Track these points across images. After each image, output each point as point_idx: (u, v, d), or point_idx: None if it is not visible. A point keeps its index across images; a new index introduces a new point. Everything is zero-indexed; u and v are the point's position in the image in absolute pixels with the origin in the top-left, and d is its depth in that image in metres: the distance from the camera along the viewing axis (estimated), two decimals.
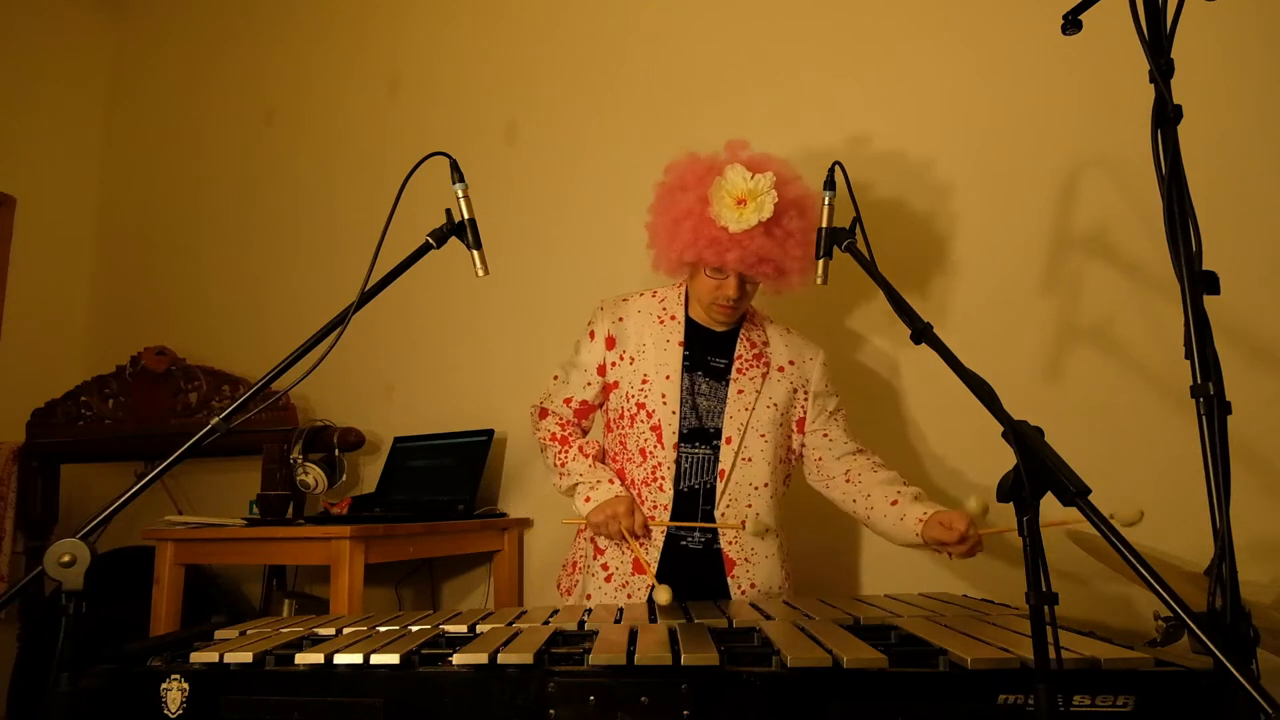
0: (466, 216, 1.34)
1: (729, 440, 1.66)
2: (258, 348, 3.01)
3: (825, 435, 1.74)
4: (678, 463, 1.65)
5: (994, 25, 2.07)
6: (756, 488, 1.67)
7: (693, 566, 1.64)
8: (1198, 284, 0.96)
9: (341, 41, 3.12)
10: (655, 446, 1.66)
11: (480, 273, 1.35)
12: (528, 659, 1.02)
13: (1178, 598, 0.79)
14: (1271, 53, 1.79)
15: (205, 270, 3.25)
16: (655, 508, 1.65)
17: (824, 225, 1.44)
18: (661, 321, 1.73)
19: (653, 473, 1.66)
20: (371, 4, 3.06)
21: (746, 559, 1.65)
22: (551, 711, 0.99)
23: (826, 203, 1.44)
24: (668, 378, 1.67)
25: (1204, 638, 0.76)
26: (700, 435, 1.67)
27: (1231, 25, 1.78)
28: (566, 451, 1.73)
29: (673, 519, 1.64)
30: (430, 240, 1.34)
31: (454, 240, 1.36)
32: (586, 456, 1.72)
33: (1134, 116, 1.54)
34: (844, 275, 2.16)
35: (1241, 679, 0.72)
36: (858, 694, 0.96)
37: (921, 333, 1.17)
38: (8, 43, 3.28)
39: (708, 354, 1.71)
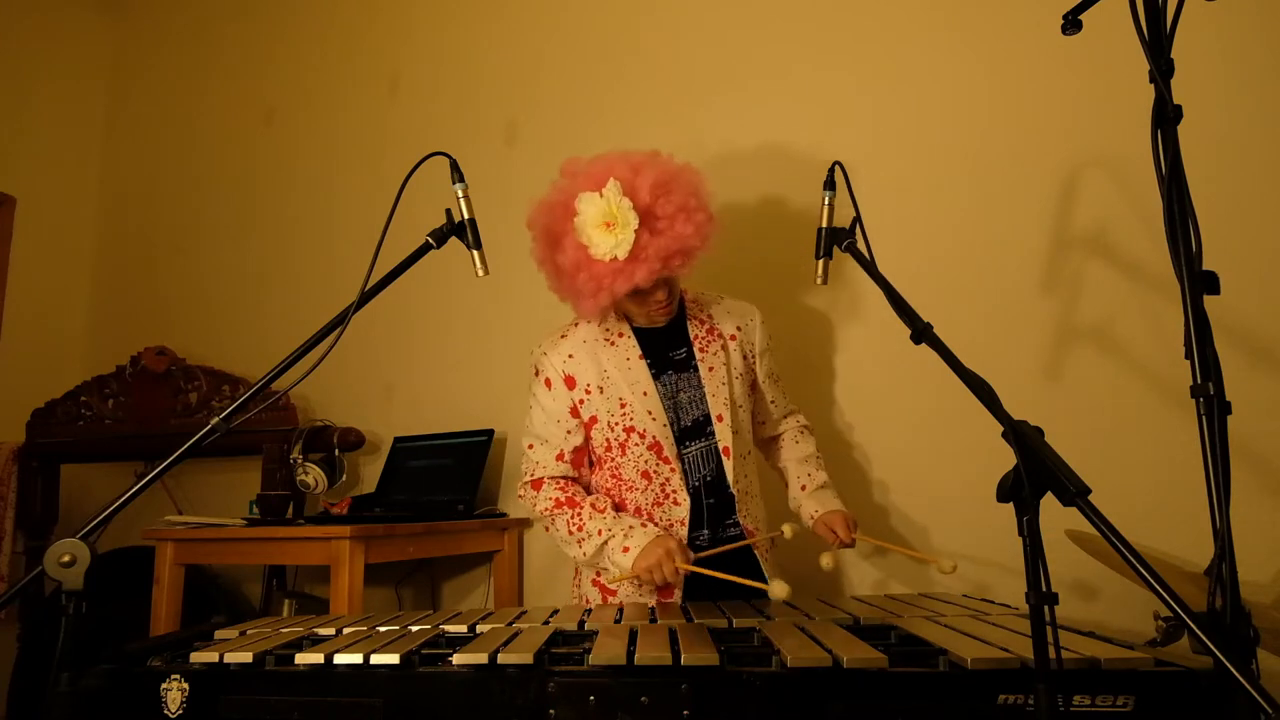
0: (466, 216, 1.35)
1: (720, 418, 1.66)
2: (258, 348, 3.01)
3: (772, 401, 1.83)
4: (685, 471, 1.65)
5: (994, 25, 2.07)
6: (745, 457, 1.71)
7: (724, 563, 1.59)
8: (1198, 284, 0.96)
9: (341, 41, 3.12)
10: (658, 464, 1.64)
11: (480, 273, 1.35)
12: (528, 659, 1.03)
13: (1178, 598, 0.79)
14: (1271, 53, 1.79)
15: (205, 270, 3.25)
16: (671, 524, 1.63)
17: (824, 225, 1.44)
18: (612, 343, 1.69)
19: (662, 490, 1.64)
20: (372, 4, 3.06)
21: (756, 528, 1.70)
22: (551, 711, 0.99)
23: (826, 203, 1.45)
24: (645, 394, 1.65)
25: (1204, 638, 0.76)
26: (690, 433, 1.67)
27: (1231, 25, 1.78)
28: (580, 512, 1.62)
29: (690, 527, 1.63)
30: (430, 240, 1.34)
31: (454, 240, 1.36)
32: (602, 511, 1.61)
33: (1134, 116, 1.54)
34: (845, 274, 2.16)
35: (1241, 679, 0.72)
36: (858, 694, 0.96)
37: (921, 333, 1.17)
38: (8, 43, 3.28)
39: (667, 351, 1.70)
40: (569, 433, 1.68)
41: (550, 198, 1.60)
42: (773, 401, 1.83)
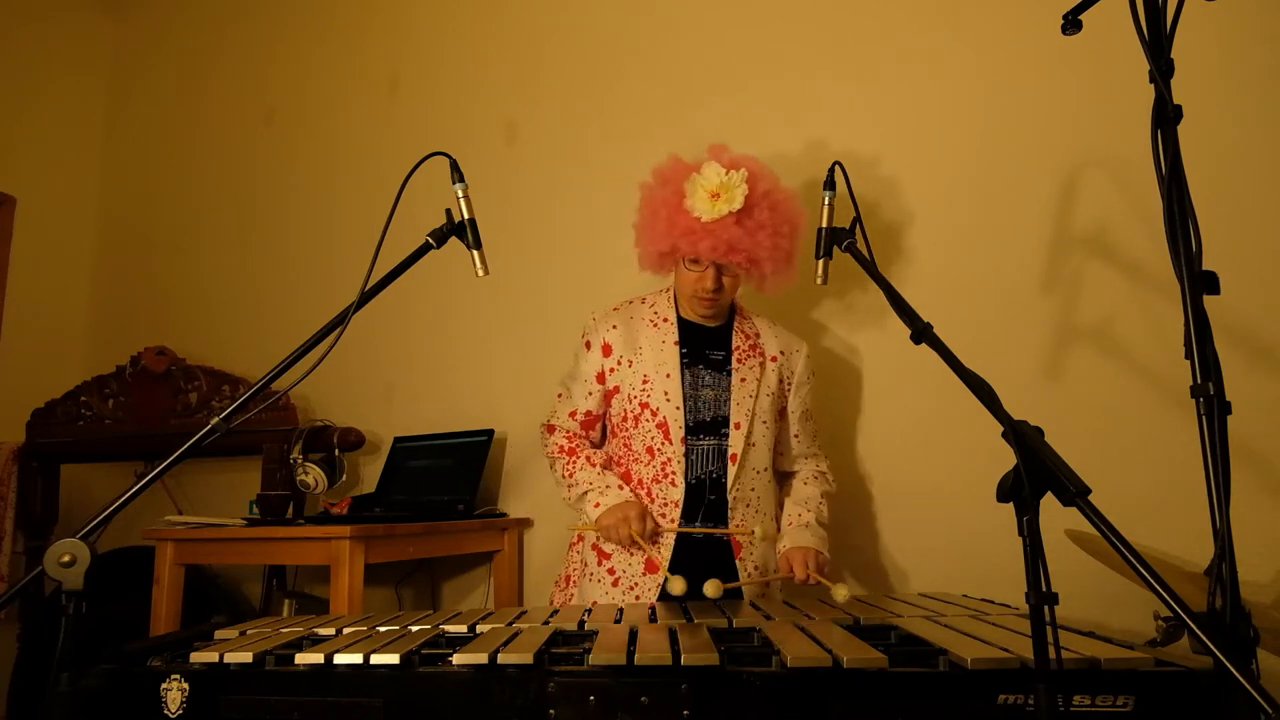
0: (466, 216, 1.34)
1: (738, 426, 1.72)
2: (258, 348, 3.01)
3: (796, 435, 1.85)
4: (686, 456, 1.70)
5: (994, 25, 2.07)
6: (759, 471, 1.75)
7: (702, 554, 1.69)
8: (1198, 284, 0.96)
9: (341, 41, 3.12)
10: (663, 443, 1.70)
11: (480, 273, 1.35)
12: (528, 659, 1.02)
13: (1178, 598, 0.79)
14: (1271, 53, 1.78)
15: (205, 270, 3.25)
16: (666, 504, 1.69)
17: (824, 225, 1.44)
18: (655, 325, 1.78)
19: (662, 469, 1.70)
20: (371, 4, 3.06)
21: (750, 542, 1.72)
22: (551, 711, 0.99)
23: (826, 203, 1.45)
24: (668, 375, 1.72)
25: (1204, 638, 0.76)
26: (705, 427, 1.72)
27: (1231, 25, 1.78)
28: (574, 461, 1.79)
29: (683, 512, 1.69)
30: (430, 240, 1.34)
31: (454, 240, 1.36)
32: (594, 465, 1.77)
33: (1134, 116, 1.54)
34: (844, 273, 2.16)
35: (1241, 679, 0.72)
36: (858, 694, 0.96)
37: (921, 333, 1.17)
38: (8, 43, 3.28)
39: (705, 348, 1.78)
40: (589, 394, 1.81)
41: (690, 160, 1.74)
42: (796, 435, 1.84)
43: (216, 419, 1.13)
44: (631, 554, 1.71)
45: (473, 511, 2.38)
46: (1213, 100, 1.76)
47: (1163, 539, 1.60)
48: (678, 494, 1.69)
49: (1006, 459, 0.90)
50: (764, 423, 1.75)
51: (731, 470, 1.70)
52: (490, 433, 2.49)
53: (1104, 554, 1.24)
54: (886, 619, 1.27)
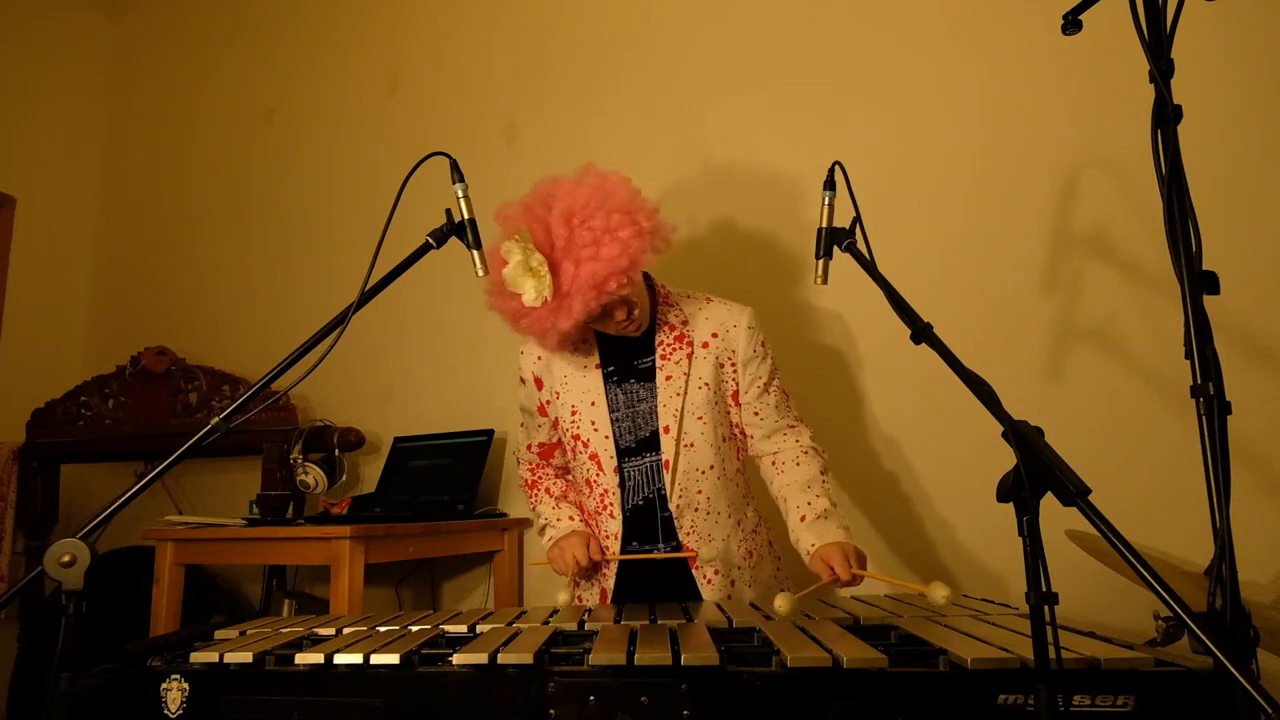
0: (466, 216, 1.34)
1: (667, 429, 1.60)
2: (258, 348, 3.01)
3: (756, 413, 1.66)
4: (622, 485, 1.64)
5: (994, 25, 2.07)
6: (703, 471, 1.62)
7: (655, 574, 1.62)
8: (1198, 284, 0.96)
9: (341, 41, 3.12)
10: (598, 474, 1.65)
11: (480, 272, 1.35)
12: (528, 659, 1.02)
13: (1178, 598, 0.79)
14: (1271, 53, 1.79)
15: (205, 270, 3.25)
16: (607, 536, 1.66)
17: (824, 225, 1.44)
18: (575, 350, 1.69)
19: (601, 501, 1.66)
20: (371, 4, 3.06)
21: (696, 555, 1.61)
22: (551, 711, 0.99)
23: (826, 203, 1.44)
24: (593, 404, 1.65)
25: (1204, 638, 0.76)
26: (647, 444, 1.63)
27: (1231, 25, 1.78)
28: (536, 494, 1.80)
29: (627, 538, 1.64)
30: (430, 240, 1.34)
31: (454, 240, 1.36)
32: (551, 496, 1.78)
33: (1134, 116, 1.54)
34: (844, 273, 2.15)
35: (1241, 679, 0.72)
36: (858, 694, 0.96)
37: (921, 333, 1.17)
38: (8, 43, 3.28)
39: (633, 359, 1.66)
40: (539, 426, 1.78)
41: (490, 249, 1.55)
42: (757, 413, 1.65)
43: (216, 419, 1.13)
44: (593, 584, 1.71)
45: (473, 511, 2.39)
46: (1213, 100, 1.76)
47: (1163, 539, 1.60)
48: (615, 526, 1.64)
49: (1006, 459, 0.90)
50: (699, 418, 1.61)
51: (667, 478, 1.59)
52: (490, 433, 2.49)
53: (1104, 554, 1.24)
54: (886, 619, 1.26)
